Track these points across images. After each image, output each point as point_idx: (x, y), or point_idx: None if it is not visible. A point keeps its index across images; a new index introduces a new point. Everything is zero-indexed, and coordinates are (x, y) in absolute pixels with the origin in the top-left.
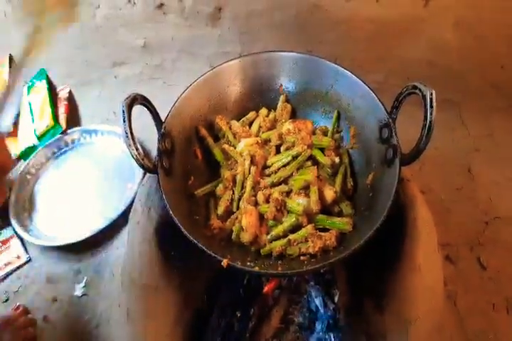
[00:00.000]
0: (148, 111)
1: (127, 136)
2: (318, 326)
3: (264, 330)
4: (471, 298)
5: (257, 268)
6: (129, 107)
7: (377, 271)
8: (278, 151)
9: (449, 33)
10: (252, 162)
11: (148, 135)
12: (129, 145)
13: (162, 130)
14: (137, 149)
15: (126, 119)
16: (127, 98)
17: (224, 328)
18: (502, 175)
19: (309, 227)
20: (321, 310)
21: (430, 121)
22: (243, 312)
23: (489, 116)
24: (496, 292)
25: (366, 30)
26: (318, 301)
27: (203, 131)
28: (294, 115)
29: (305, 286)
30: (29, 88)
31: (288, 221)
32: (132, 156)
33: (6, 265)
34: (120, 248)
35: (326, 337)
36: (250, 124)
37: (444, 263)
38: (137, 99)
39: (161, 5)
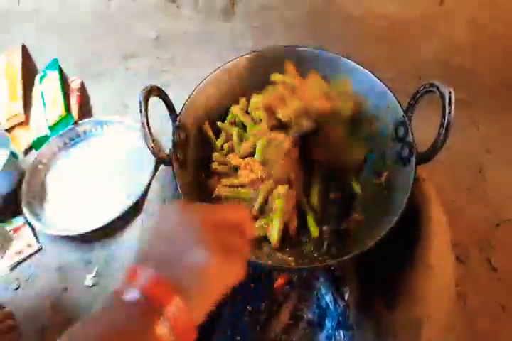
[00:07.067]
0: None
1: (144, 127)
2: (328, 323)
3: (273, 325)
4: (481, 299)
5: (270, 263)
6: (146, 98)
7: (389, 270)
8: None
9: (462, 31)
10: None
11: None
12: (146, 135)
13: (177, 122)
14: (153, 140)
15: (143, 110)
16: (144, 89)
17: (234, 322)
18: None
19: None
20: (331, 307)
21: (448, 120)
22: (254, 307)
23: (501, 116)
24: (505, 294)
25: (379, 27)
26: (328, 298)
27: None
28: None
29: (315, 283)
30: (41, 78)
31: None
32: (148, 147)
33: (17, 253)
34: (131, 239)
35: (336, 334)
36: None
37: (455, 264)
38: (154, 91)
39: None
